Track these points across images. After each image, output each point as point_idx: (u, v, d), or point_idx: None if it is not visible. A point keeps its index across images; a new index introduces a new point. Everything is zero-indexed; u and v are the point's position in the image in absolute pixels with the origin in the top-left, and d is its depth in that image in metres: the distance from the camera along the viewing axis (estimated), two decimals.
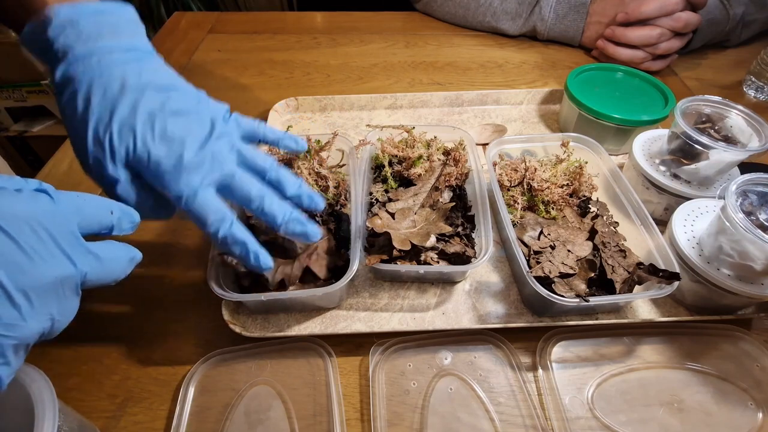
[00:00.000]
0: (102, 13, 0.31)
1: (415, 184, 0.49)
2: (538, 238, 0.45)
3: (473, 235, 0.46)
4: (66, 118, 0.31)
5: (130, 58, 0.31)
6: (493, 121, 0.67)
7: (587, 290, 0.42)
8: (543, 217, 0.47)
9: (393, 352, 0.41)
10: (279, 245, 0.43)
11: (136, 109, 0.31)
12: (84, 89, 0.30)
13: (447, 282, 0.46)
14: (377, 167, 0.52)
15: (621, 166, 0.56)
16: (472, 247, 0.45)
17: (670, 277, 0.40)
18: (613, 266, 0.43)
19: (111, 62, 0.31)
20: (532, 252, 0.44)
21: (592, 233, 0.45)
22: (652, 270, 0.42)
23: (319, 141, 0.51)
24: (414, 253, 0.44)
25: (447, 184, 0.49)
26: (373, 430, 0.37)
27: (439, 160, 0.51)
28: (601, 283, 0.43)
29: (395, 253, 0.43)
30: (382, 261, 0.43)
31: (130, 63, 0.31)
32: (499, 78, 0.78)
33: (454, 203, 0.48)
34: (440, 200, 0.48)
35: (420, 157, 0.51)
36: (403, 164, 0.51)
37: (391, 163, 0.51)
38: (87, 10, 0.30)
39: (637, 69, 0.66)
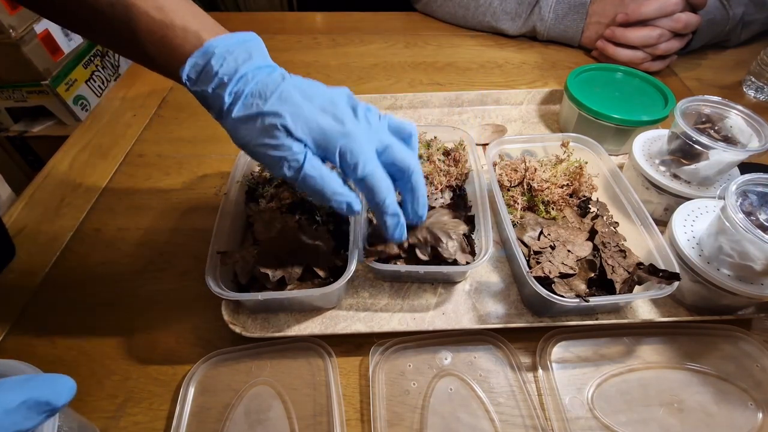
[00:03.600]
0: (245, 42, 0.35)
1: None
2: (538, 239, 0.45)
3: (473, 236, 0.46)
4: (241, 128, 0.34)
5: (273, 71, 0.35)
6: (493, 121, 0.67)
7: (587, 290, 0.42)
8: (543, 217, 0.47)
9: (393, 353, 0.41)
10: (279, 244, 0.43)
11: (309, 106, 0.34)
12: (251, 100, 0.33)
13: (447, 282, 0.46)
14: None
15: (621, 167, 0.56)
16: (473, 247, 0.45)
17: (670, 277, 0.40)
18: (613, 266, 0.43)
19: (264, 75, 0.34)
20: (532, 252, 0.44)
21: (592, 233, 0.45)
22: (652, 270, 0.42)
23: None
24: (415, 253, 0.44)
25: (447, 184, 0.49)
26: (373, 431, 0.37)
27: (440, 160, 0.51)
28: (601, 283, 0.43)
29: (395, 250, 0.43)
30: (382, 260, 0.43)
31: (273, 74, 0.34)
32: (499, 78, 0.78)
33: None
34: (441, 200, 0.48)
35: (420, 157, 0.51)
36: None
37: None
38: (236, 40, 0.34)
39: (636, 69, 0.66)
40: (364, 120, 0.35)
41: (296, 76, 0.35)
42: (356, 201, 0.36)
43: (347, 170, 0.35)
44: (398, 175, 0.37)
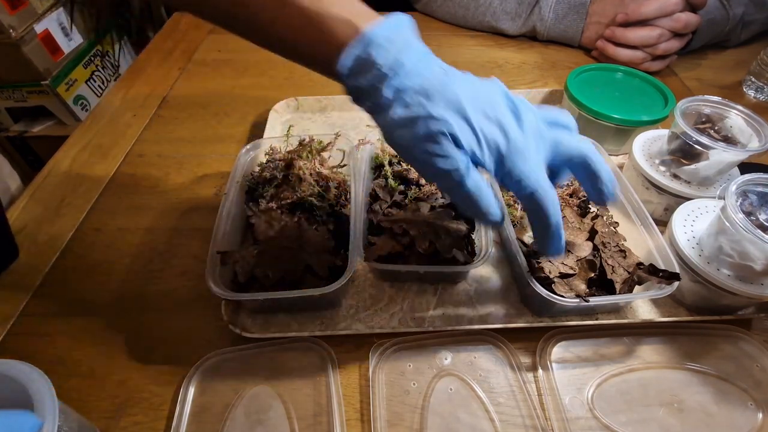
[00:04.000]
0: (402, 27, 0.31)
1: (415, 184, 0.49)
2: None
3: (473, 236, 0.46)
4: (399, 129, 0.31)
5: (432, 63, 0.32)
6: None
7: (587, 290, 0.42)
8: None
9: (393, 353, 0.41)
10: (279, 244, 0.43)
11: (484, 107, 0.31)
12: (415, 99, 0.30)
13: (447, 282, 0.46)
14: (377, 167, 0.52)
15: (621, 167, 0.56)
16: (472, 247, 0.45)
17: (669, 277, 0.40)
18: (613, 266, 0.43)
19: (425, 69, 0.31)
20: (532, 252, 0.44)
21: (592, 233, 0.45)
22: (652, 270, 0.42)
23: (320, 141, 0.51)
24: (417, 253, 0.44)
25: None
26: (373, 431, 0.37)
27: None
28: (601, 284, 0.43)
29: (395, 247, 0.43)
30: (382, 260, 0.43)
31: (434, 68, 0.32)
32: (499, 78, 0.77)
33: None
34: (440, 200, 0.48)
35: None
36: (404, 164, 0.51)
37: (391, 163, 0.51)
38: (393, 25, 0.31)
39: (636, 69, 0.66)
40: (528, 126, 0.32)
41: (450, 68, 0.32)
42: (505, 216, 0.34)
43: (510, 184, 0.32)
44: (576, 168, 0.34)
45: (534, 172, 0.31)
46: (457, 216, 0.46)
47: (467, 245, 0.45)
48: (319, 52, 0.32)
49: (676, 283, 0.39)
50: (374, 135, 0.53)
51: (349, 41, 0.30)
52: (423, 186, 0.49)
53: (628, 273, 0.42)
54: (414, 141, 0.30)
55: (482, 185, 0.31)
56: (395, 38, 0.30)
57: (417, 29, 0.32)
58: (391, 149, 0.50)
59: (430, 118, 0.30)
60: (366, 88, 0.31)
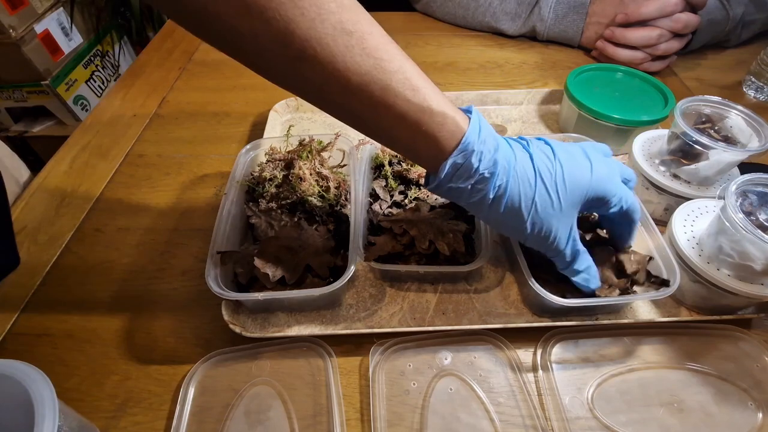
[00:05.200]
0: (483, 123, 0.34)
1: (415, 184, 0.49)
2: None
3: (473, 235, 0.46)
4: (497, 215, 0.35)
5: (517, 156, 0.35)
6: (493, 121, 0.67)
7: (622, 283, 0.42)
8: None
9: (393, 353, 0.41)
10: (279, 244, 0.43)
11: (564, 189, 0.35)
12: (516, 192, 0.34)
13: (447, 282, 0.46)
14: (377, 167, 0.52)
15: None
16: (472, 247, 0.45)
17: (661, 283, 0.41)
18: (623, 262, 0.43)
19: (519, 166, 0.34)
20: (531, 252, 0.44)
21: (592, 234, 0.45)
22: (645, 275, 0.42)
23: (321, 141, 0.51)
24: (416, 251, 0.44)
25: None
26: (373, 431, 0.37)
27: None
28: (619, 277, 0.43)
29: (395, 247, 0.43)
30: (382, 260, 0.43)
31: (525, 164, 0.35)
32: (499, 78, 0.78)
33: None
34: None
35: None
36: (404, 164, 0.51)
37: (391, 163, 0.51)
38: (478, 123, 0.33)
39: (636, 69, 0.66)
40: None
41: (538, 154, 0.35)
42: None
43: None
44: (622, 220, 0.40)
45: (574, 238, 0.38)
46: (456, 216, 0.46)
47: (467, 245, 0.45)
48: (421, 148, 0.33)
49: (676, 285, 0.39)
50: None
51: (454, 143, 0.32)
52: (423, 186, 0.49)
53: (640, 265, 0.43)
54: (516, 224, 0.35)
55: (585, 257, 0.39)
56: (486, 139, 0.33)
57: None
58: (392, 150, 0.51)
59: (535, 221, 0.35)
60: (468, 191, 0.34)
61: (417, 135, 0.32)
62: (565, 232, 0.37)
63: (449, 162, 0.32)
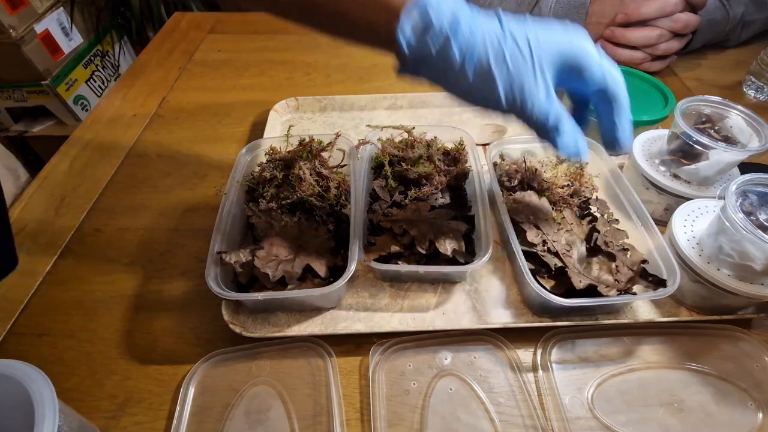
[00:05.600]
0: None
1: (415, 184, 0.49)
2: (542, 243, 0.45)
3: (473, 236, 0.46)
4: (467, 83, 0.32)
5: (468, 6, 0.32)
6: (493, 121, 0.67)
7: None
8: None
9: (393, 353, 0.41)
10: (279, 244, 0.43)
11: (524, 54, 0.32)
12: (483, 50, 0.31)
13: (447, 282, 0.46)
14: (377, 167, 0.52)
15: (621, 167, 0.56)
16: (472, 247, 0.45)
17: (657, 283, 0.40)
18: (617, 266, 0.43)
19: (484, 24, 0.32)
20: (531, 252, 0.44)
21: (591, 234, 0.45)
22: (642, 274, 0.42)
23: (321, 141, 0.51)
24: (417, 251, 0.44)
25: (447, 184, 0.50)
26: (373, 430, 0.37)
27: (439, 160, 0.51)
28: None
29: (395, 247, 0.43)
30: (382, 260, 0.43)
31: (492, 21, 0.32)
32: None
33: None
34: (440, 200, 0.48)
35: (420, 157, 0.51)
36: (404, 164, 0.51)
37: (391, 163, 0.51)
38: None
39: (636, 69, 0.66)
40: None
41: (506, 17, 0.32)
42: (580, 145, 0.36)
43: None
44: (607, 105, 0.37)
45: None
46: (456, 216, 0.46)
47: (467, 245, 0.45)
48: (374, 21, 0.32)
49: (676, 284, 0.39)
50: (374, 135, 0.53)
51: (404, 5, 0.30)
52: (423, 186, 0.49)
53: (633, 270, 0.42)
54: (488, 88, 0.32)
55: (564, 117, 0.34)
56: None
57: None
58: (391, 150, 0.51)
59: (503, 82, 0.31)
60: (434, 57, 0.31)
61: (366, 4, 0.31)
62: (543, 92, 0.33)
63: (407, 24, 0.31)
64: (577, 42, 0.33)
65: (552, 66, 0.33)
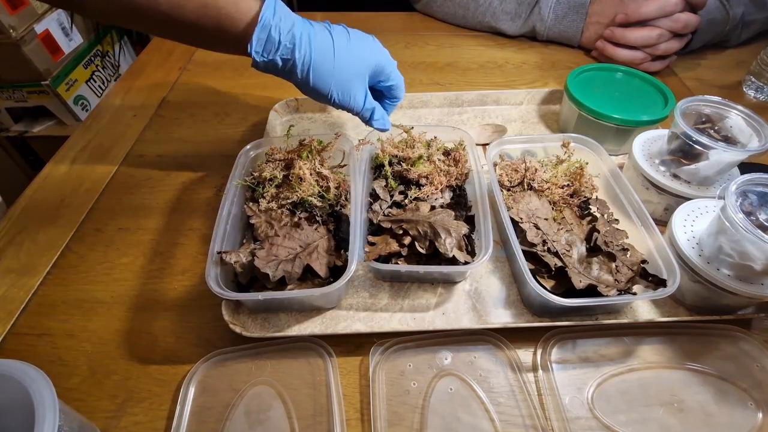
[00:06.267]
0: (277, 6, 0.40)
1: (415, 184, 0.49)
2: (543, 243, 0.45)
3: (473, 235, 0.46)
4: (307, 87, 0.43)
5: (311, 27, 0.42)
6: (493, 121, 0.67)
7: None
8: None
9: (393, 352, 0.41)
10: (279, 244, 0.43)
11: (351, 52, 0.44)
12: (313, 58, 0.42)
13: (447, 282, 0.46)
14: (377, 167, 0.52)
15: (621, 167, 0.56)
16: (473, 247, 0.45)
17: (657, 283, 0.40)
18: (617, 266, 0.43)
19: (313, 35, 0.42)
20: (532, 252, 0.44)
21: (590, 234, 0.45)
22: (642, 274, 0.42)
23: (321, 141, 0.51)
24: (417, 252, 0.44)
25: (447, 184, 0.50)
26: (374, 430, 0.37)
27: (440, 160, 0.51)
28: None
29: (396, 247, 0.43)
30: (382, 260, 0.43)
31: (321, 33, 0.43)
32: (499, 78, 0.78)
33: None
34: (441, 200, 0.48)
35: (420, 157, 0.51)
36: (404, 164, 0.51)
37: (391, 163, 0.51)
38: (275, 9, 0.40)
39: (636, 69, 0.66)
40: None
41: (320, 32, 0.43)
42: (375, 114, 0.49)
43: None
44: (390, 94, 0.51)
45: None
46: (457, 216, 0.46)
47: (467, 245, 0.45)
48: (226, 38, 0.40)
49: (676, 284, 0.39)
50: (374, 135, 0.53)
51: (251, 23, 0.39)
52: (423, 186, 0.49)
53: (632, 270, 0.42)
54: (324, 91, 0.44)
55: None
56: (281, 13, 0.40)
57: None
58: (391, 150, 0.51)
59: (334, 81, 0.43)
60: (279, 64, 0.41)
61: (219, 20, 0.39)
62: (362, 93, 0.45)
63: (254, 38, 0.39)
64: (384, 58, 0.46)
65: (368, 72, 0.45)
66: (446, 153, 0.53)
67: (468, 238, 0.45)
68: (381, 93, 0.50)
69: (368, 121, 0.48)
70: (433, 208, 0.47)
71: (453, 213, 0.46)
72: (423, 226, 0.44)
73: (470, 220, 0.47)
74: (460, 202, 0.49)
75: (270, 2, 0.40)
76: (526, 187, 0.50)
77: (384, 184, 0.50)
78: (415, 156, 0.50)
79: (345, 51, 0.43)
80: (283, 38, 0.40)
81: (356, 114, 0.47)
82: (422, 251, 0.43)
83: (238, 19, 0.39)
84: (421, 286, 0.46)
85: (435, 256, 0.43)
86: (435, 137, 0.54)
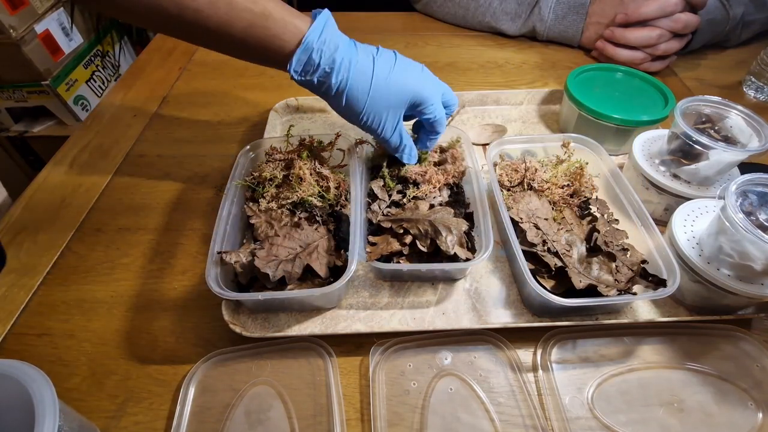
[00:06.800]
0: (327, 24, 0.40)
1: (413, 183, 0.49)
2: (543, 243, 0.45)
3: (473, 233, 0.46)
4: (340, 107, 0.43)
5: (355, 52, 0.42)
6: (493, 121, 0.67)
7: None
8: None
9: (393, 352, 0.41)
10: (279, 244, 0.43)
11: (388, 78, 0.43)
12: (349, 83, 0.41)
13: (447, 280, 0.46)
14: (374, 167, 0.52)
15: (621, 167, 0.56)
16: (473, 244, 0.45)
17: (658, 283, 0.40)
18: (617, 266, 0.43)
19: (356, 61, 0.41)
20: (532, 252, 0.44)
21: (591, 234, 0.45)
22: (643, 274, 0.42)
23: (321, 141, 0.51)
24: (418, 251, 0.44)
25: (444, 182, 0.50)
26: (374, 430, 0.37)
27: (436, 162, 0.51)
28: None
29: (396, 247, 0.43)
30: (383, 260, 0.43)
31: (364, 59, 0.42)
32: (499, 78, 0.78)
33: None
34: (439, 198, 0.48)
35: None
36: (400, 164, 0.51)
37: (389, 163, 0.51)
38: (321, 24, 0.40)
39: (636, 69, 0.66)
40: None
41: (363, 59, 0.42)
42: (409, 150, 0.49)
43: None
44: (429, 128, 0.50)
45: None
46: (456, 214, 0.46)
47: (468, 242, 0.45)
48: (269, 54, 0.40)
49: (676, 284, 0.39)
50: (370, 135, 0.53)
51: (296, 43, 0.39)
52: (421, 185, 0.49)
53: (632, 271, 0.42)
54: (355, 115, 0.44)
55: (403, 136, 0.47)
56: (326, 37, 0.40)
57: (335, 24, 0.42)
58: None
59: (369, 107, 0.43)
60: (315, 84, 0.41)
61: (265, 39, 0.39)
62: (392, 123, 0.45)
63: (294, 59, 0.40)
64: (425, 92, 0.45)
65: (404, 105, 0.44)
66: (442, 150, 0.53)
67: (468, 235, 0.45)
68: (420, 121, 0.49)
69: (395, 152, 0.48)
70: (432, 206, 0.47)
71: (452, 211, 0.46)
72: (424, 224, 0.44)
73: (469, 218, 0.47)
74: (458, 200, 0.49)
75: (318, 25, 0.40)
76: (526, 187, 0.50)
77: (382, 183, 0.50)
78: None
79: (383, 81, 0.42)
80: (323, 62, 0.40)
81: (383, 142, 0.47)
82: (424, 249, 0.43)
83: (284, 40, 0.39)
84: (421, 286, 0.46)
85: (436, 254, 0.43)
86: None
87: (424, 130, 0.50)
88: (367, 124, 0.44)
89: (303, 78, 0.41)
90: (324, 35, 0.40)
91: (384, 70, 0.42)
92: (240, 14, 0.38)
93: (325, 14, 0.41)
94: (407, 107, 0.45)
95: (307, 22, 0.40)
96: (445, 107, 0.48)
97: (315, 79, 0.41)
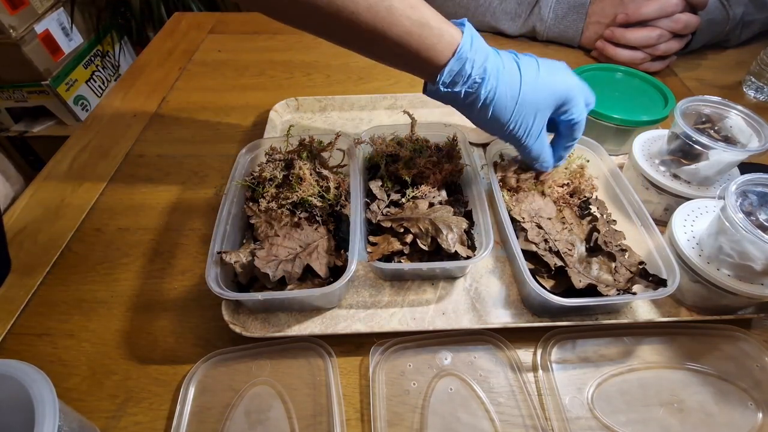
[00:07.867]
0: (474, 35, 0.39)
1: (412, 183, 0.49)
2: (544, 242, 0.45)
3: (473, 232, 0.46)
4: (485, 119, 0.41)
5: (504, 64, 0.40)
6: None
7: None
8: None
9: (393, 352, 0.41)
10: (279, 244, 0.43)
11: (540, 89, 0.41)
12: (503, 95, 0.39)
13: (448, 278, 0.46)
14: (372, 167, 0.52)
15: (621, 167, 0.56)
16: (473, 242, 0.45)
17: (658, 283, 0.40)
18: (617, 266, 0.43)
19: (505, 73, 0.39)
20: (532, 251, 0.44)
21: (591, 234, 0.45)
22: (643, 274, 0.42)
23: (321, 141, 0.51)
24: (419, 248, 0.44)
25: (442, 180, 0.49)
26: (373, 430, 0.37)
27: (433, 162, 0.51)
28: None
29: (398, 246, 0.43)
30: (383, 260, 0.43)
31: (512, 70, 0.40)
32: None
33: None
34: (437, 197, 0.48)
35: (412, 155, 0.51)
36: (398, 164, 0.51)
37: (387, 164, 0.51)
38: (470, 36, 0.38)
39: (636, 69, 0.66)
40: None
41: (509, 65, 0.40)
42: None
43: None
44: (566, 131, 0.47)
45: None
46: (455, 212, 0.46)
47: (468, 240, 0.45)
48: (422, 62, 0.38)
49: (676, 284, 0.39)
50: (368, 135, 0.53)
51: (449, 51, 0.38)
52: (420, 185, 0.49)
53: (631, 272, 0.42)
54: (500, 125, 0.42)
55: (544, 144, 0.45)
56: (477, 48, 0.38)
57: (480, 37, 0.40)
58: (387, 149, 0.51)
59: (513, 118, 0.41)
60: (461, 96, 0.39)
61: (420, 47, 0.37)
62: (538, 128, 0.43)
63: (446, 69, 0.38)
64: (572, 93, 0.42)
65: (550, 109, 0.42)
66: (438, 149, 0.53)
67: (468, 233, 0.45)
68: (557, 127, 0.46)
69: (534, 161, 0.46)
70: (431, 205, 0.47)
71: (452, 209, 0.46)
72: (424, 223, 0.44)
73: (468, 216, 0.47)
74: (457, 199, 0.49)
75: (468, 33, 0.38)
76: (525, 187, 0.50)
77: (380, 183, 0.50)
78: (406, 154, 0.50)
79: (531, 85, 0.40)
80: (474, 72, 0.38)
81: (520, 147, 0.44)
82: (425, 248, 0.43)
83: (438, 50, 0.38)
84: (421, 285, 0.46)
85: (437, 253, 0.44)
86: (424, 137, 0.54)
87: (560, 137, 0.47)
88: (513, 131, 0.42)
89: (449, 90, 0.39)
90: (475, 44, 0.38)
91: (531, 74, 0.40)
92: (398, 20, 0.36)
93: (469, 24, 0.39)
94: (552, 112, 0.43)
95: (459, 31, 0.38)
96: (585, 106, 0.45)
97: (462, 91, 0.39)
